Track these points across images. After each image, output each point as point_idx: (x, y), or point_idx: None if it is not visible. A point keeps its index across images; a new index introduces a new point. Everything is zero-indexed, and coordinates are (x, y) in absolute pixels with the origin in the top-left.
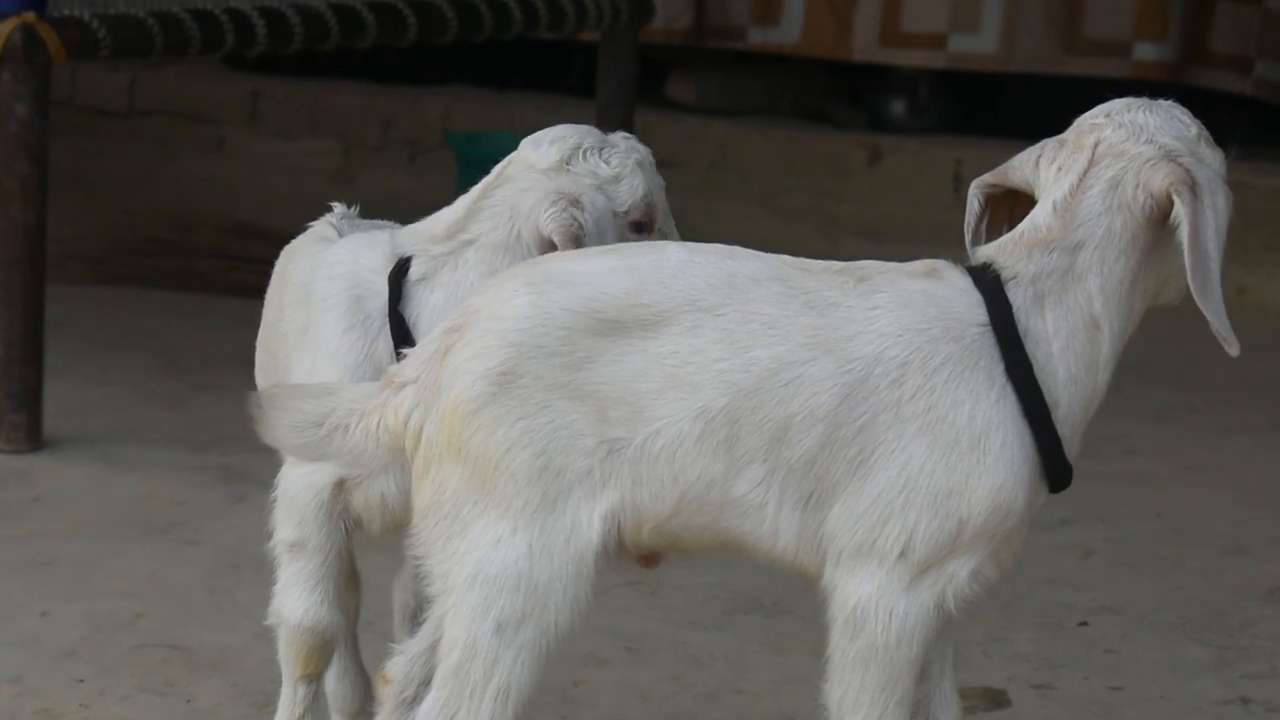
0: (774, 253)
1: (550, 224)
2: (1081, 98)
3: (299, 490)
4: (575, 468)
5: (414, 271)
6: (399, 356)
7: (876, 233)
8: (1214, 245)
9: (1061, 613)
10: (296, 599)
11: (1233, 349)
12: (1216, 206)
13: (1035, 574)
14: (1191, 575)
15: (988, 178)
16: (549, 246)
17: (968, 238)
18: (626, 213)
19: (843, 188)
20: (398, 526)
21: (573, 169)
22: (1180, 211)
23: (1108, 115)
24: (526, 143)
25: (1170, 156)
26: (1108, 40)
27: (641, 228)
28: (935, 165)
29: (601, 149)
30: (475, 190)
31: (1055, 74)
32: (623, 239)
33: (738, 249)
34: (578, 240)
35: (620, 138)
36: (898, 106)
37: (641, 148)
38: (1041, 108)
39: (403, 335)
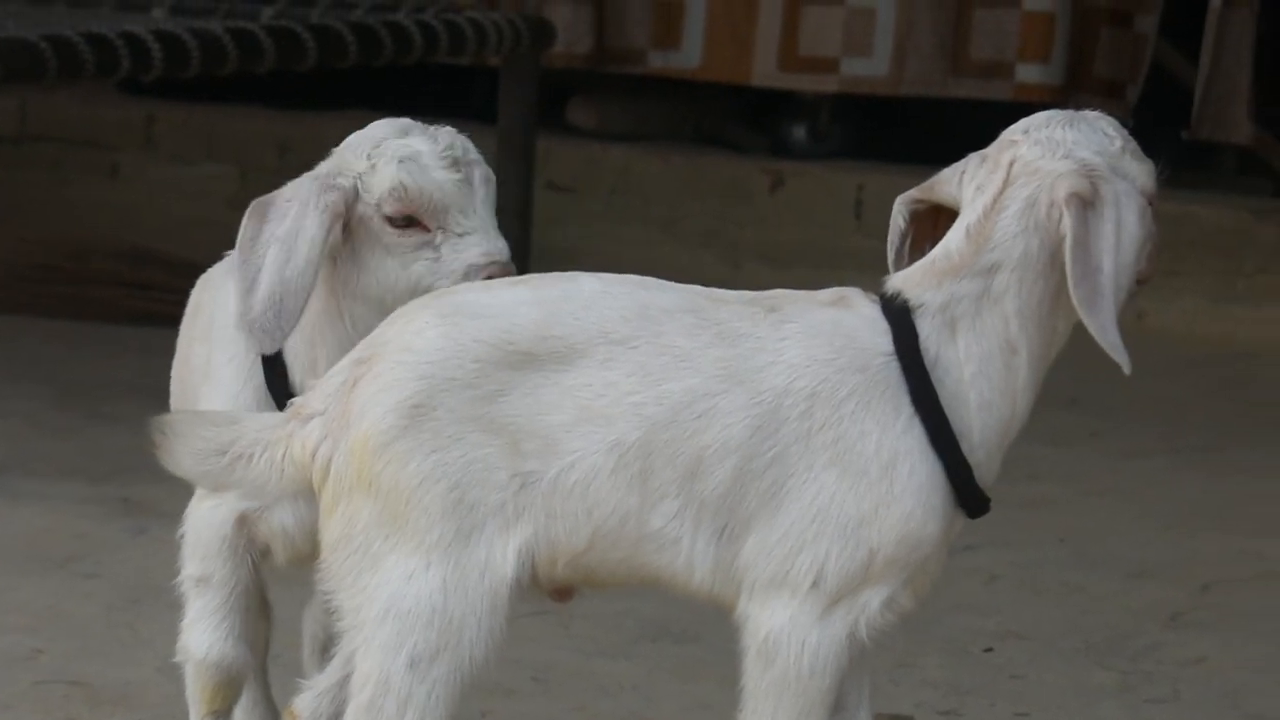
0: (676, 279)
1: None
2: (983, 122)
3: (202, 524)
4: (489, 501)
5: None
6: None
7: (779, 258)
8: (1109, 259)
9: (967, 638)
10: (201, 634)
11: (1125, 366)
12: (1122, 220)
13: (941, 600)
14: (1095, 600)
15: (913, 193)
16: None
17: (890, 256)
18: (379, 205)
19: (745, 213)
20: (300, 559)
21: (341, 159)
22: (1065, 223)
23: (1025, 131)
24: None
25: (1084, 171)
26: (992, 62)
27: (398, 223)
28: (837, 190)
29: (382, 142)
30: None
31: (943, 96)
32: (382, 233)
33: (650, 279)
34: (264, 207)
35: (441, 131)
36: (799, 131)
37: (455, 143)
38: (943, 133)
39: (279, 361)
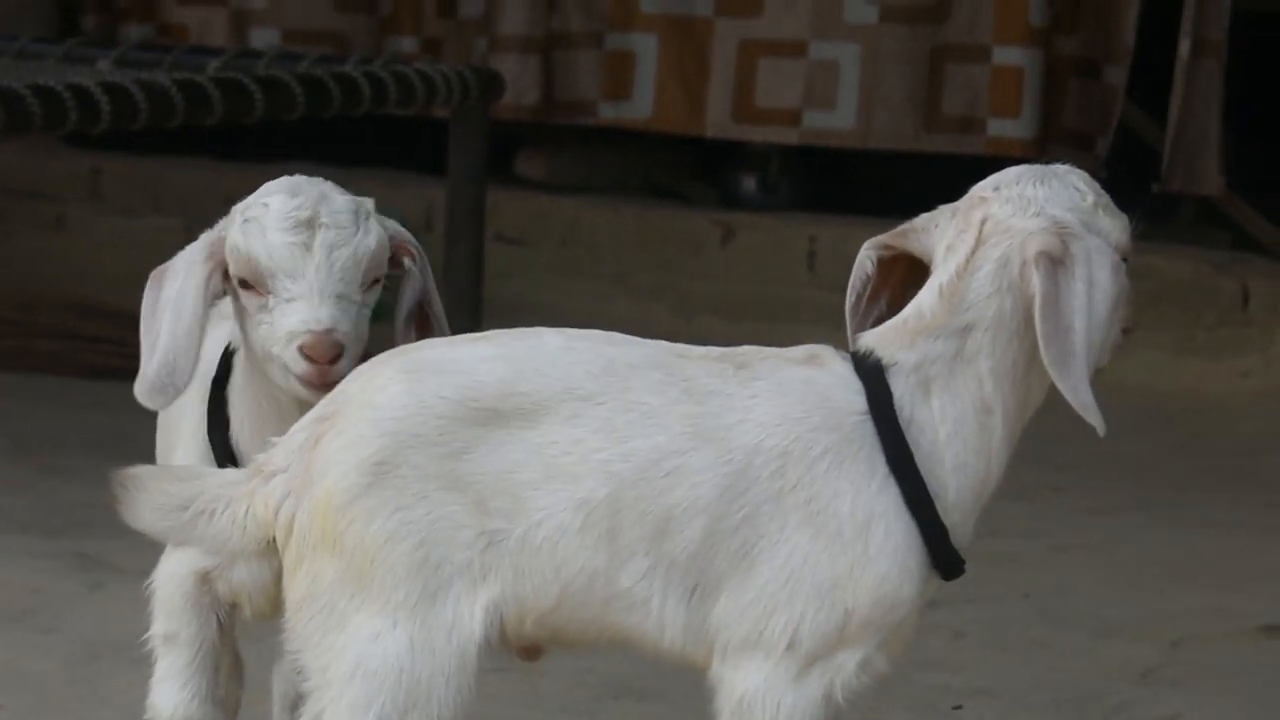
0: (627, 331)
1: None
2: (935, 174)
3: (164, 582)
4: (455, 560)
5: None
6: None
7: (731, 311)
8: (1081, 318)
9: (935, 696)
10: (168, 694)
11: (1099, 427)
12: (1093, 278)
13: (908, 657)
14: (1063, 657)
15: (884, 238)
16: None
17: (849, 300)
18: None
19: (696, 265)
20: (261, 615)
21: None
22: (1034, 283)
23: (996, 188)
24: None
25: (1056, 229)
26: (964, 117)
27: (241, 283)
28: (789, 242)
29: (252, 202)
30: None
31: (914, 151)
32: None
33: (616, 335)
34: (160, 275)
35: (312, 188)
36: (750, 183)
37: (305, 203)
38: (895, 184)
39: (221, 412)
